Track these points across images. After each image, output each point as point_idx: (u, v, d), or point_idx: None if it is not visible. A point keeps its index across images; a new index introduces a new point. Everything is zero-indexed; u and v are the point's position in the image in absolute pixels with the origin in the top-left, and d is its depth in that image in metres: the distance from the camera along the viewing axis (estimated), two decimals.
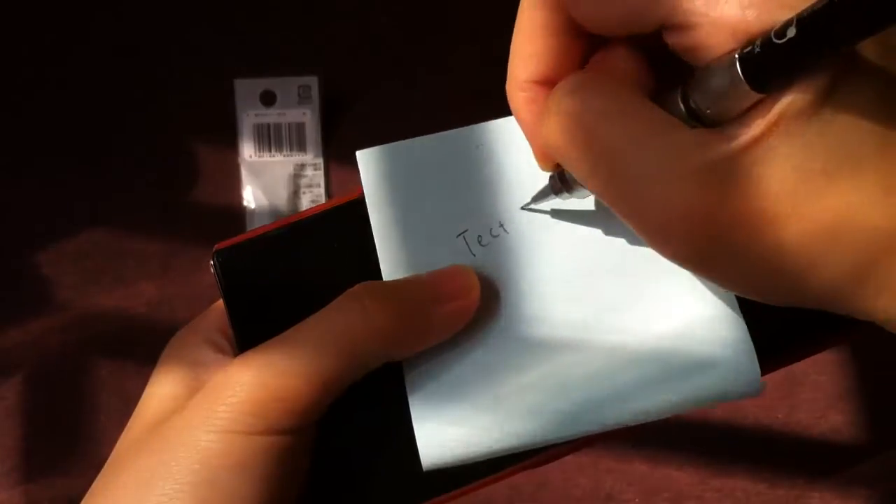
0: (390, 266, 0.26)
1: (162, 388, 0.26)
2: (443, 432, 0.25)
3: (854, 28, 0.17)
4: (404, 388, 0.25)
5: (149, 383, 0.27)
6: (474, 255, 0.26)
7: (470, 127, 0.27)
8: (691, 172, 0.20)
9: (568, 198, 0.25)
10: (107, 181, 0.81)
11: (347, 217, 0.27)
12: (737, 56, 0.19)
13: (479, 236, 0.26)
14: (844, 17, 0.17)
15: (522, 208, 0.26)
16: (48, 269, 0.80)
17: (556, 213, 0.26)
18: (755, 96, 0.19)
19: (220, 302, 0.27)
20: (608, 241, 0.27)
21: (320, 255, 0.26)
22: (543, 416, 0.25)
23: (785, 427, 0.78)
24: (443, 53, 0.84)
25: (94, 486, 0.24)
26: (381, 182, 0.26)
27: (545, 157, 0.24)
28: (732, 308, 0.25)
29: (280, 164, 0.81)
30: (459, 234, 0.26)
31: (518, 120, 0.24)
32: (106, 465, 0.25)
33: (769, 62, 0.19)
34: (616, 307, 0.26)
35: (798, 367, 0.79)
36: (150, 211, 0.81)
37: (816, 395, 0.79)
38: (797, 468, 0.78)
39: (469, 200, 0.26)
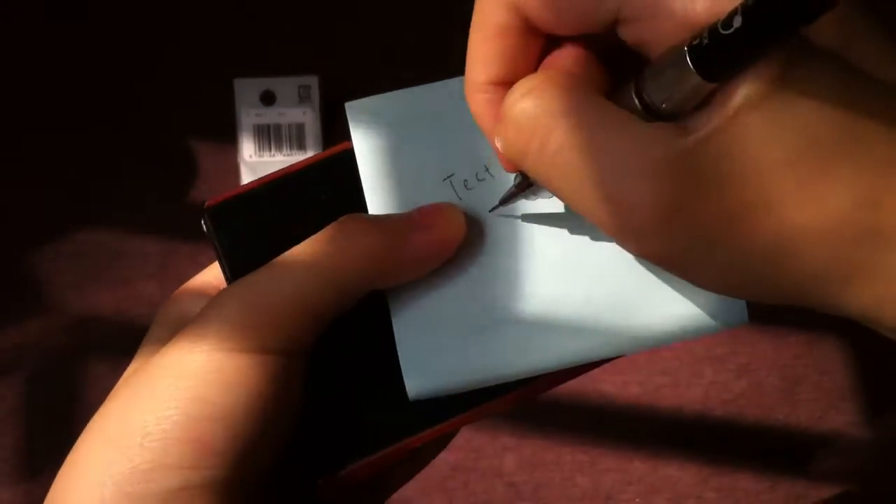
0: (378, 210, 0.26)
1: (157, 337, 0.26)
2: (428, 363, 0.25)
3: (798, 15, 0.17)
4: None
5: (145, 338, 0.27)
6: (461, 199, 0.27)
7: (453, 79, 0.27)
8: (650, 169, 0.20)
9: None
10: (106, 181, 0.81)
11: (337, 168, 0.27)
12: (686, 48, 0.19)
13: (465, 180, 0.27)
14: (788, 5, 0.17)
15: (491, 211, 0.27)
16: (47, 269, 0.80)
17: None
18: (708, 86, 0.19)
19: (214, 264, 0.27)
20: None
21: (311, 205, 0.27)
22: (528, 347, 0.26)
23: (785, 427, 0.78)
24: (442, 53, 0.84)
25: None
26: (368, 131, 0.27)
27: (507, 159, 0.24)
28: None
29: (280, 164, 0.81)
30: (446, 179, 0.27)
31: (478, 122, 0.24)
32: None
33: (718, 53, 0.18)
34: (601, 240, 0.26)
35: (798, 367, 0.80)
36: (150, 210, 0.81)
37: (816, 395, 0.79)
38: (797, 468, 0.78)
39: (455, 147, 0.27)
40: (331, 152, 0.27)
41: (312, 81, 0.81)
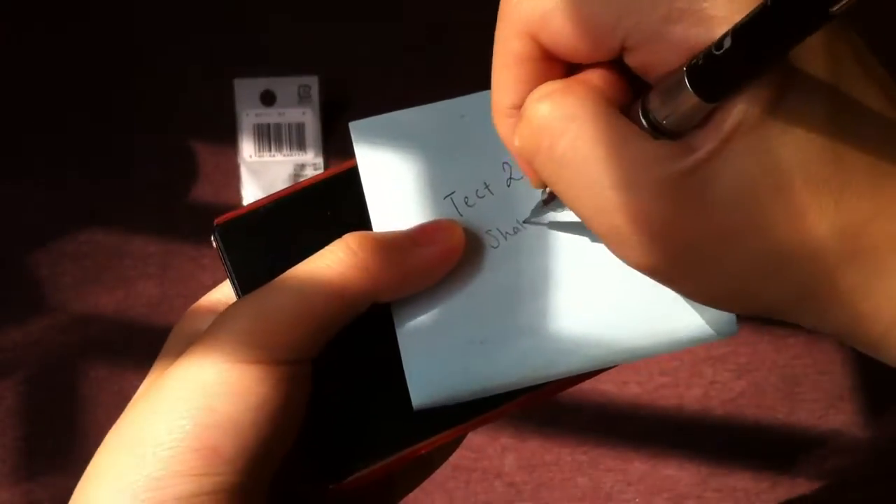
0: (381, 227, 0.27)
1: (170, 352, 0.27)
2: (431, 373, 0.26)
3: (782, 36, 0.18)
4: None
5: (159, 354, 0.28)
6: (461, 215, 0.28)
7: (455, 99, 0.29)
8: (651, 184, 0.21)
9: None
10: (107, 181, 0.81)
11: (342, 186, 0.28)
12: (684, 69, 0.20)
13: (466, 197, 0.28)
14: (773, 27, 0.18)
15: (524, 222, 0.28)
16: (48, 270, 0.80)
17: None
18: (706, 106, 0.20)
19: (225, 282, 0.28)
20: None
21: (318, 222, 0.28)
22: (528, 357, 0.26)
23: (785, 427, 0.78)
24: (442, 53, 0.84)
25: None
26: (372, 150, 0.28)
27: (536, 176, 0.25)
28: None
29: (280, 164, 0.81)
30: (447, 196, 0.28)
31: (506, 145, 0.25)
32: None
33: (712, 72, 0.20)
34: (597, 253, 0.27)
35: (798, 367, 0.80)
36: (150, 211, 0.81)
37: (816, 395, 0.79)
38: (797, 468, 0.78)
39: (456, 165, 0.28)
40: (336, 171, 0.28)
41: (312, 81, 0.82)
